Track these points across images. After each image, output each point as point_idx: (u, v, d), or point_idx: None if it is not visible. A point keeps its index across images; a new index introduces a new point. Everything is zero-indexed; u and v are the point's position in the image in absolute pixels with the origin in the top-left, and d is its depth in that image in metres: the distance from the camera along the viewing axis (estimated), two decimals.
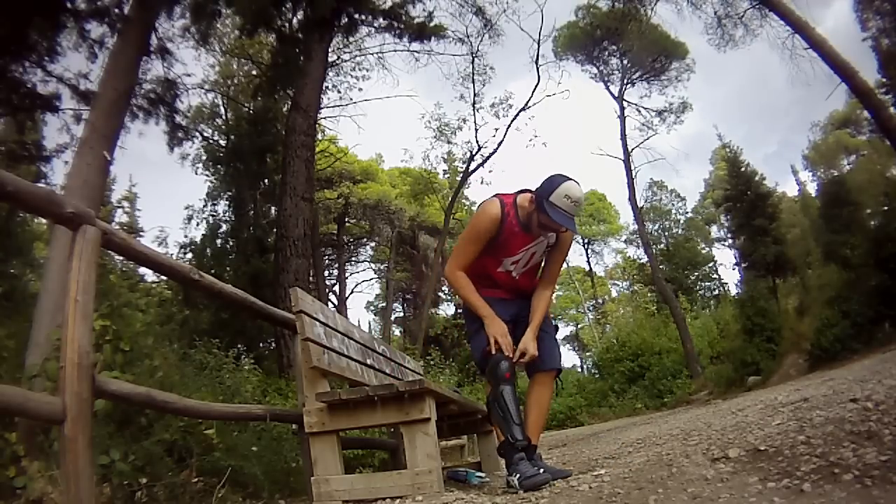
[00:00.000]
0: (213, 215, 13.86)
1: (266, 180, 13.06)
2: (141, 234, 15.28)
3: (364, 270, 27.35)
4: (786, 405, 3.17)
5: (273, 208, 12.47)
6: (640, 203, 18.77)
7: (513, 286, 2.46)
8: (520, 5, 18.23)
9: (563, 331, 32.74)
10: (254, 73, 12.96)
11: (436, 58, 14.33)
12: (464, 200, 22.04)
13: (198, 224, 14.01)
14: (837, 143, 22.87)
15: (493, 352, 2.25)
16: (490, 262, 2.40)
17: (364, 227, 23.57)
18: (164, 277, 7.93)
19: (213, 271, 10.02)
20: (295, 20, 9.33)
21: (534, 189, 2.30)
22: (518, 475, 2.06)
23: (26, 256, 8.94)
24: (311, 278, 9.98)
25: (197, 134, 13.33)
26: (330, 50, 11.34)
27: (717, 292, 27.20)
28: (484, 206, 2.39)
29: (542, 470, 2.11)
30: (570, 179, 2.24)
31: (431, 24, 12.20)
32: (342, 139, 18.52)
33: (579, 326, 31.66)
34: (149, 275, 10.76)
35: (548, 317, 2.50)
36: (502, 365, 2.26)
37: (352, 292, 27.09)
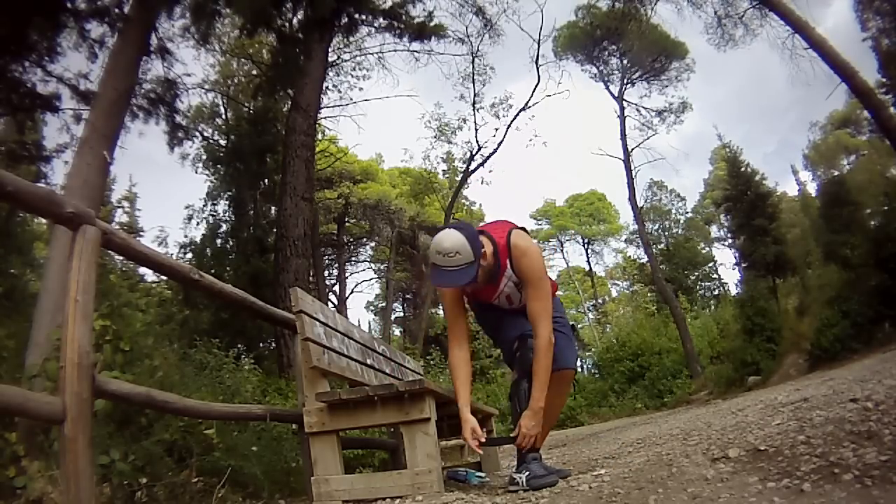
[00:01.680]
0: (213, 215, 13.86)
1: (266, 180, 13.06)
2: (141, 234, 15.27)
3: (364, 270, 27.39)
4: (786, 405, 3.17)
5: (273, 208, 12.46)
6: (640, 203, 18.81)
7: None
8: (520, 5, 18.24)
9: None
10: (254, 73, 12.95)
11: (436, 58, 14.36)
12: (464, 200, 22.07)
13: (198, 224, 14.02)
14: (837, 143, 22.86)
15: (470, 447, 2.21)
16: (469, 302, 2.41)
17: (364, 227, 23.57)
18: (164, 277, 7.95)
19: (213, 271, 10.02)
20: (295, 20, 9.32)
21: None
22: (528, 473, 2.05)
23: (26, 256, 8.93)
24: (311, 278, 9.98)
25: (197, 134, 13.31)
26: (330, 50, 11.35)
27: (717, 292, 27.22)
28: None
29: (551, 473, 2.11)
30: (445, 229, 2.14)
31: (431, 24, 12.19)
32: (342, 139, 18.56)
33: (579, 326, 31.63)
34: (149, 275, 10.81)
35: (563, 316, 2.49)
36: (529, 357, 2.23)
37: (352, 292, 27.09)
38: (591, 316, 30.67)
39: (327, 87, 12.66)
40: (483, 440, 2.19)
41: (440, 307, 24.47)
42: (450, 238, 2.07)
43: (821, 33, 9.24)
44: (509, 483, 2.14)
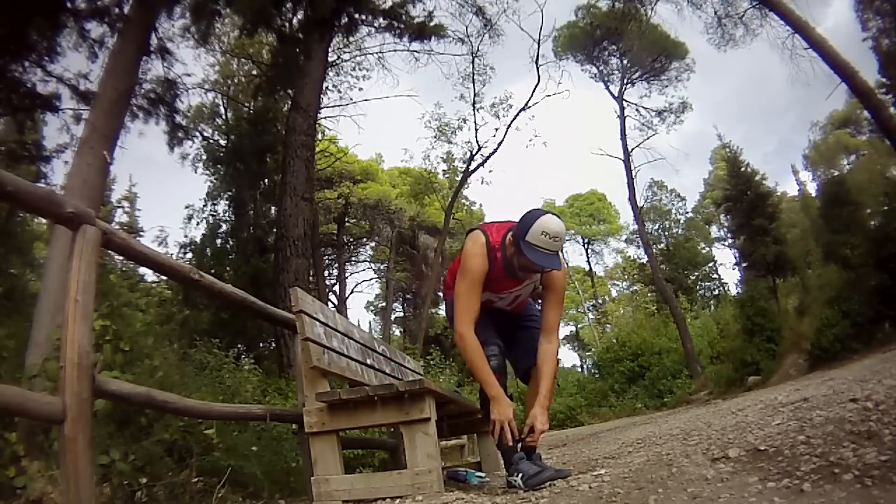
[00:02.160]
0: (213, 215, 13.86)
1: (266, 180, 13.06)
2: (141, 234, 15.29)
3: (364, 270, 27.39)
4: (786, 405, 3.17)
5: (273, 208, 12.47)
6: (640, 203, 18.79)
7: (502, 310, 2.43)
8: (520, 5, 18.26)
9: (564, 330, 32.75)
10: (254, 73, 12.95)
11: (436, 58, 14.38)
12: (464, 200, 22.07)
13: (198, 224, 14.02)
14: (837, 143, 22.88)
15: (501, 439, 2.15)
16: None
17: (364, 227, 23.57)
18: (164, 277, 7.95)
19: (213, 271, 10.02)
20: (295, 20, 9.32)
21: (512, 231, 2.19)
22: (521, 474, 2.05)
23: (26, 256, 8.94)
24: (311, 278, 9.99)
25: (197, 134, 13.32)
26: (330, 50, 11.34)
27: (717, 292, 27.22)
28: (469, 249, 2.24)
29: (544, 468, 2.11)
30: (547, 213, 2.13)
31: (431, 24, 12.19)
32: (342, 139, 18.56)
33: (579, 326, 31.67)
34: (149, 275, 10.82)
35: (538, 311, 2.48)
36: (492, 364, 2.23)
37: (352, 292, 27.11)
38: (591, 316, 30.68)
39: (327, 87, 12.69)
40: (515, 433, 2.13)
41: (440, 307, 24.57)
42: (557, 222, 2.10)
43: (821, 33, 9.25)
44: (508, 486, 2.15)
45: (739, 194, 13.20)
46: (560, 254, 2.19)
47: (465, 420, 3.43)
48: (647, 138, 17.41)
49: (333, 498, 2.17)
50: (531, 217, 2.11)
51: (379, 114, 38.67)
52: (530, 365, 2.33)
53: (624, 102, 17.19)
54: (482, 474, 3.16)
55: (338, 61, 13.83)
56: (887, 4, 11.51)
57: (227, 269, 12.07)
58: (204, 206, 14.06)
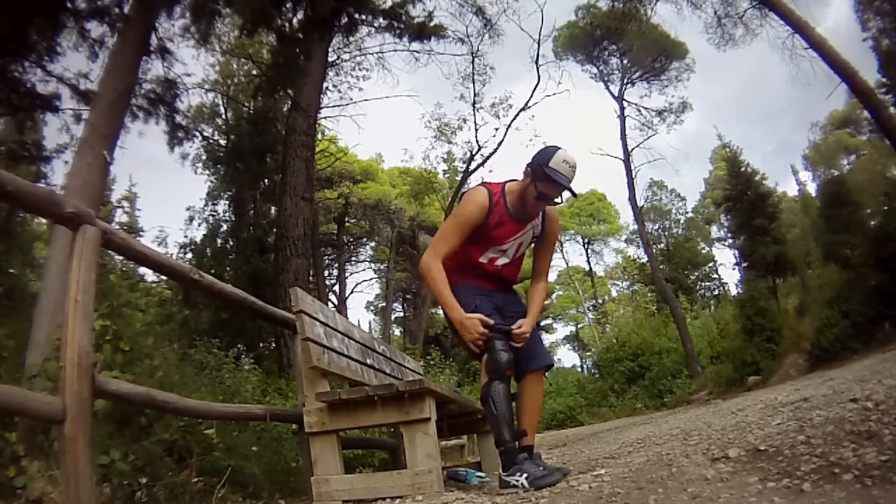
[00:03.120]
0: (213, 215, 13.90)
1: (266, 180, 13.08)
2: (141, 234, 15.31)
3: (364, 270, 27.40)
4: (786, 405, 3.17)
5: (273, 208, 12.49)
6: (640, 203, 18.79)
7: (497, 276, 2.39)
8: (520, 5, 18.32)
9: (563, 331, 32.74)
10: (254, 72, 12.95)
11: (436, 58, 14.40)
12: None
13: (198, 224, 14.05)
14: (837, 143, 22.89)
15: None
16: (475, 252, 2.32)
17: (364, 227, 23.57)
18: (164, 277, 7.96)
19: (213, 271, 10.02)
20: (295, 20, 9.32)
21: (528, 163, 2.28)
22: (526, 475, 2.00)
23: (26, 256, 8.94)
24: (311, 278, 10.00)
25: (197, 134, 13.31)
26: (330, 50, 11.37)
27: (717, 292, 27.21)
28: (470, 194, 2.33)
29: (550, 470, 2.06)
30: (556, 147, 2.25)
31: (431, 24, 12.17)
32: (342, 139, 18.60)
33: (579, 326, 31.66)
34: (149, 275, 10.84)
35: None
36: (503, 359, 2.16)
37: (352, 292, 27.11)
38: (590, 316, 30.66)
39: (327, 87, 12.72)
40: (489, 334, 2.15)
41: (440, 307, 24.56)
42: (573, 155, 2.24)
43: (821, 33, 9.24)
44: (501, 487, 2.06)
45: (739, 194, 13.20)
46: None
47: (465, 420, 3.43)
48: (647, 138, 17.44)
49: (333, 498, 2.17)
50: (551, 149, 2.24)
51: (379, 114, 38.80)
52: (525, 368, 2.28)
53: (624, 102, 17.20)
54: (482, 474, 3.17)
55: (338, 61, 13.87)
56: (887, 4, 11.50)
57: (227, 269, 12.09)
58: (205, 206, 14.11)
